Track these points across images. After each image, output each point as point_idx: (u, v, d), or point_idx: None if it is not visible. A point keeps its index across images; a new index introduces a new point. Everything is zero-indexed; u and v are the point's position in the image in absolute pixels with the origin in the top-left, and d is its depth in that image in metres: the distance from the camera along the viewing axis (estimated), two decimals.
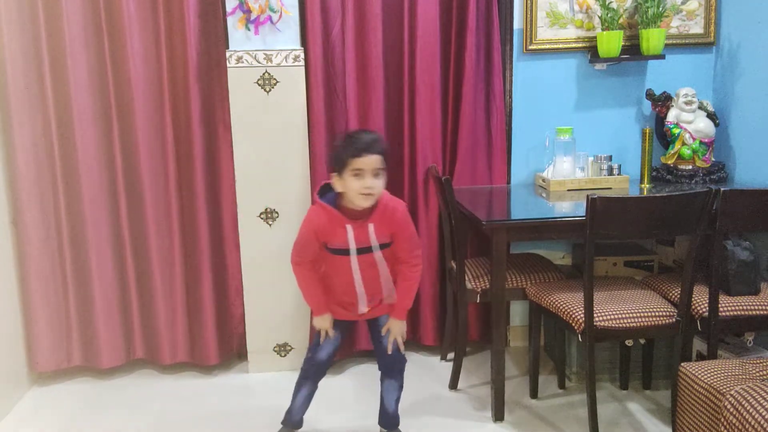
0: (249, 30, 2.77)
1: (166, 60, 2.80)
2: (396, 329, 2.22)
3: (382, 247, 2.13)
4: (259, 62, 2.79)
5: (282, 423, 2.37)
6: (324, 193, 2.13)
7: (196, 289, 2.97)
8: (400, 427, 2.39)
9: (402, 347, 2.25)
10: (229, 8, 2.74)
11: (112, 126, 2.84)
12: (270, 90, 2.80)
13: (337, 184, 2.05)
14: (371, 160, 1.97)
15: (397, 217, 2.11)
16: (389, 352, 2.22)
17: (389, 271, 2.20)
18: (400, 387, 2.32)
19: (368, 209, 2.06)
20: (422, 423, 2.56)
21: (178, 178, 2.89)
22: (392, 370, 2.29)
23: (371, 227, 2.07)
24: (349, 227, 2.06)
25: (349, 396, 2.79)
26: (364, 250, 2.10)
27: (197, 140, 2.86)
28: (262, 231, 2.88)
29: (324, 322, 2.24)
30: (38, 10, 2.71)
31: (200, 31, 2.81)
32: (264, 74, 2.79)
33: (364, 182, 1.98)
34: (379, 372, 2.32)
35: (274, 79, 2.80)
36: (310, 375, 2.30)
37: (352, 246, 2.08)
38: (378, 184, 2.01)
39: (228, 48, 2.78)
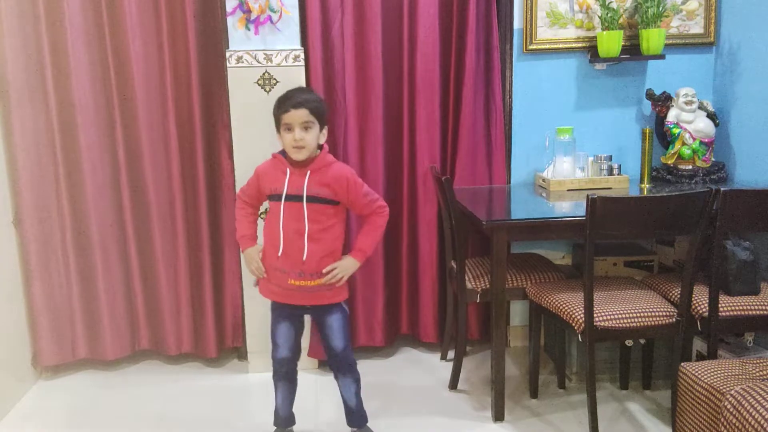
0: (249, 30, 2.77)
1: (167, 60, 2.81)
2: (343, 264, 2.18)
3: (315, 200, 2.13)
4: (259, 62, 2.79)
5: (274, 424, 2.37)
6: (281, 152, 2.24)
7: (200, 281, 3.00)
8: (369, 425, 2.39)
9: (336, 280, 2.16)
10: (229, 8, 2.74)
11: (114, 124, 2.85)
12: (270, 90, 2.80)
13: (280, 141, 2.18)
14: (298, 114, 2.09)
15: (342, 176, 2.15)
16: (323, 279, 2.15)
17: (326, 245, 2.15)
18: (357, 380, 2.33)
19: (309, 160, 2.15)
20: (422, 423, 2.56)
21: (181, 175, 2.91)
22: (343, 367, 2.30)
23: (308, 174, 2.13)
24: (288, 170, 2.15)
25: None
26: (295, 198, 2.13)
27: (199, 139, 2.87)
28: (261, 230, 2.88)
29: (251, 256, 2.24)
30: (39, 9, 2.71)
31: (200, 31, 2.81)
32: (264, 74, 2.80)
33: (293, 135, 2.10)
34: (332, 372, 2.34)
35: (274, 79, 2.80)
36: (278, 374, 2.31)
37: (285, 190, 2.14)
38: (308, 137, 2.11)
39: (228, 48, 2.78)
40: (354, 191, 2.16)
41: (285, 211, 2.14)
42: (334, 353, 2.27)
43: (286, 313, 2.25)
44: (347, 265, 2.18)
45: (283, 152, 2.20)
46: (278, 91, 2.77)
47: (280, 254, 2.15)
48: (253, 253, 2.24)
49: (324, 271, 2.14)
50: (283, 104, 2.12)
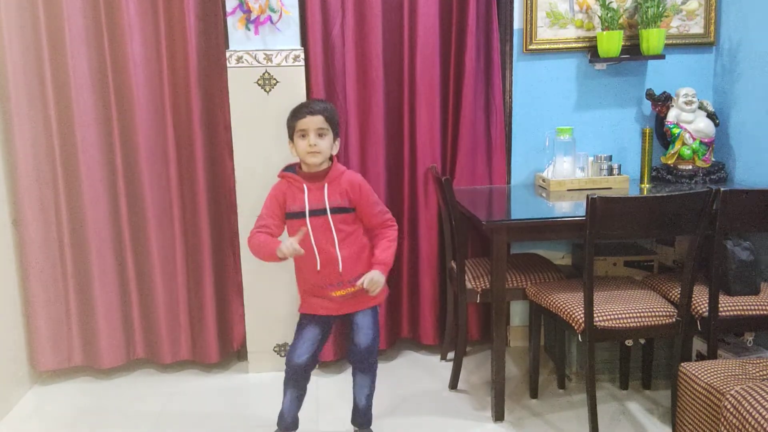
0: (249, 30, 2.77)
1: (166, 60, 2.80)
2: (371, 276, 2.15)
3: (338, 211, 2.16)
4: (259, 62, 2.79)
5: (277, 425, 2.37)
6: (286, 169, 2.26)
7: (197, 288, 2.97)
8: (372, 427, 2.39)
9: (370, 290, 2.15)
10: (229, 8, 2.74)
11: (112, 126, 2.84)
12: (270, 90, 2.80)
13: (292, 151, 2.20)
14: (313, 120, 2.13)
15: (356, 182, 2.20)
16: (361, 285, 2.14)
17: (355, 249, 2.18)
18: (372, 382, 2.32)
19: (324, 172, 2.17)
20: (422, 423, 2.56)
21: (178, 177, 2.89)
22: (364, 364, 2.29)
23: (326, 187, 2.16)
24: (305, 187, 2.16)
25: (348, 395, 2.78)
26: (318, 212, 2.15)
27: (198, 140, 2.86)
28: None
29: (287, 245, 2.08)
30: (39, 11, 2.71)
31: (200, 31, 2.81)
32: (264, 74, 2.80)
33: (308, 140, 2.12)
34: (351, 367, 2.33)
35: (274, 79, 2.80)
36: (291, 379, 2.28)
37: (307, 207, 2.14)
38: (322, 143, 2.14)
39: (228, 48, 2.78)
40: (366, 199, 2.19)
41: (312, 226, 2.15)
42: (358, 349, 2.26)
43: (317, 320, 2.26)
44: (376, 278, 2.17)
45: (290, 169, 2.21)
46: (278, 91, 2.79)
47: (318, 269, 2.17)
48: (287, 242, 2.09)
49: (358, 284, 2.16)
50: (299, 111, 2.15)
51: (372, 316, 2.26)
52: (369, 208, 2.20)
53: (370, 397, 2.34)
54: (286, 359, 2.28)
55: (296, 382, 2.29)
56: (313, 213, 2.15)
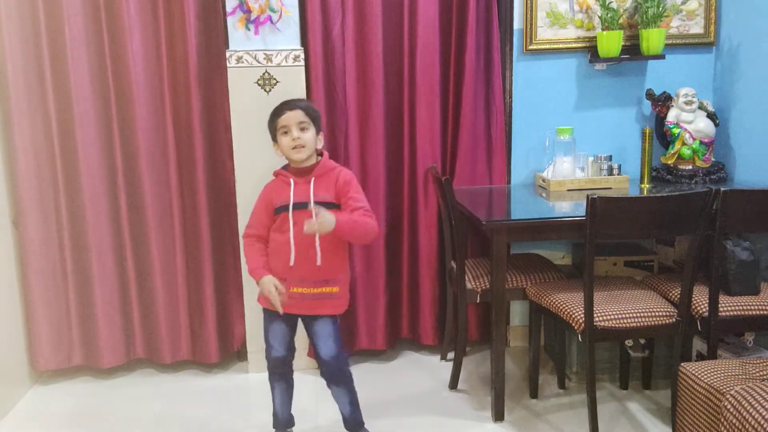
0: (249, 30, 2.77)
1: (166, 60, 2.80)
2: (326, 214, 2.02)
3: (323, 206, 2.08)
4: (259, 62, 2.79)
5: (273, 427, 2.37)
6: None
7: (197, 288, 2.97)
8: (367, 426, 2.37)
9: (315, 220, 2.01)
10: (229, 8, 2.75)
11: (112, 126, 2.84)
12: (270, 90, 2.80)
13: (277, 152, 2.22)
14: (293, 115, 2.15)
15: (347, 177, 2.19)
16: (312, 218, 2.02)
17: (331, 248, 2.15)
18: (350, 391, 2.29)
19: (311, 167, 2.18)
20: (422, 423, 2.56)
21: (178, 177, 2.89)
22: (335, 377, 2.25)
23: (312, 181, 2.16)
24: (292, 181, 2.17)
25: None
26: (302, 206, 2.12)
27: (198, 140, 2.86)
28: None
29: (267, 284, 2.14)
30: (38, 11, 2.71)
31: (200, 31, 2.81)
32: (264, 74, 2.80)
33: (291, 135, 2.14)
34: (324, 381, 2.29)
35: (274, 79, 2.80)
36: (275, 373, 2.30)
37: (291, 199, 2.15)
38: (305, 136, 2.15)
39: (228, 48, 2.78)
40: (347, 187, 2.15)
41: (294, 219, 2.14)
42: (323, 361, 2.24)
43: (281, 316, 2.24)
44: (328, 216, 2.03)
45: (284, 168, 2.24)
46: (278, 91, 2.79)
47: (292, 264, 2.15)
48: (270, 279, 2.16)
49: (310, 207, 2.07)
50: (279, 109, 2.19)
51: (332, 325, 2.22)
52: (351, 200, 2.13)
53: (353, 404, 2.31)
54: (265, 356, 2.29)
55: (281, 374, 2.31)
56: (297, 206, 2.13)
